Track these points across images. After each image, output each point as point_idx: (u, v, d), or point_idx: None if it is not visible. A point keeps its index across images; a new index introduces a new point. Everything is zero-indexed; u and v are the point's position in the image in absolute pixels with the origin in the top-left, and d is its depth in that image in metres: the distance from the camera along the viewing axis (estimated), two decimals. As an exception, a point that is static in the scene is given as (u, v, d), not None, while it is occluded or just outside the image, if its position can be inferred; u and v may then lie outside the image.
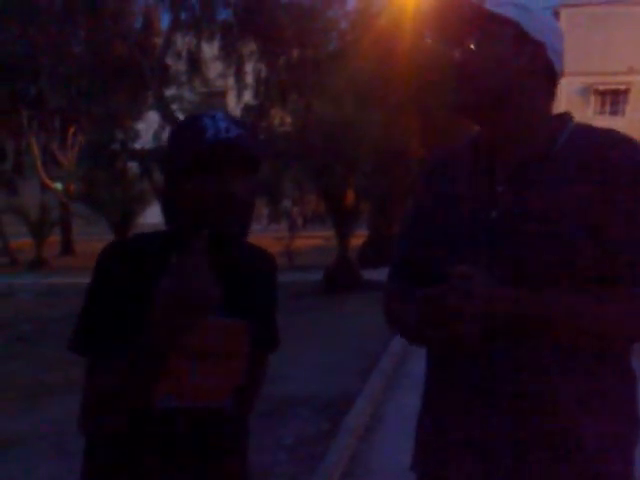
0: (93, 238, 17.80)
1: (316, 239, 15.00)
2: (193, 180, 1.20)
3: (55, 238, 17.81)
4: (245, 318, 1.29)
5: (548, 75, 1.27)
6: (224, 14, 12.03)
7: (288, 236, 12.68)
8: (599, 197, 1.17)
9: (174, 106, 11.36)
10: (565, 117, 1.29)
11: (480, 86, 1.25)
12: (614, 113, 30.83)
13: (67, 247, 18.68)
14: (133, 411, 1.18)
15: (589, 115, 28.69)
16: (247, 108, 11.28)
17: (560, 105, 1.33)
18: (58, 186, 17.33)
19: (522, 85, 1.25)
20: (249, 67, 11.82)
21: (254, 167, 1.26)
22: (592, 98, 30.87)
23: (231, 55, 11.48)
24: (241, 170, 1.22)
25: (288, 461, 3.68)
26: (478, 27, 1.26)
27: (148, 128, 11.88)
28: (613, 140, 1.23)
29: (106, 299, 1.20)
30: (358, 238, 12.95)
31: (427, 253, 1.34)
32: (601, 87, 30.64)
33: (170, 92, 11.89)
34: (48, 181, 16.92)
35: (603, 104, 31.31)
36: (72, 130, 16.51)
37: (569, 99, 27.65)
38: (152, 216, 14.22)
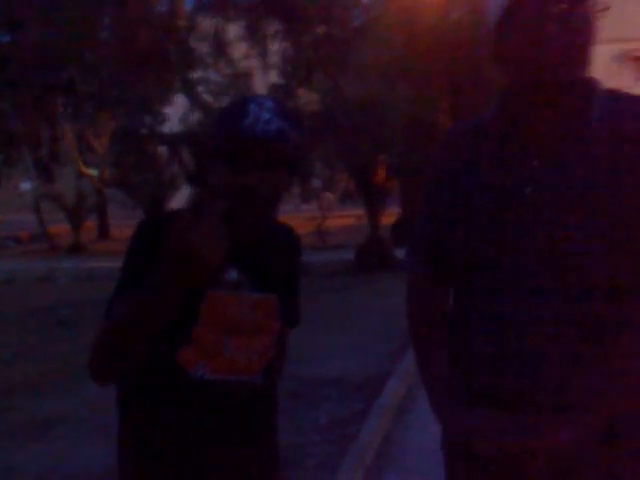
0: (128, 223, 18.08)
1: (348, 218, 14.98)
2: (219, 164, 1.19)
3: (91, 223, 18.17)
4: (274, 292, 1.29)
5: None
6: (247, -7, 11.91)
7: (319, 216, 12.67)
8: (635, 170, 1.13)
9: (200, 89, 11.37)
10: (592, 84, 1.22)
11: (580, 69, 1.17)
12: (653, 80, 29.89)
13: (103, 232, 19.04)
14: (164, 380, 1.20)
15: (625, 83, 27.82)
16: (273, 88, 11.24)
17: (597, 73, 1.26)
18: (93, 172, 17.60)
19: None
20: (274, 47, 11.75)
21: (289, 163, 1.22)
22: (628, 65, 29.89)
23: (256, 35, 11.41)
24: (272, 164, 1.19)
25: (322, 442, 3.72)
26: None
27: (176, 112, 11.94)
28: None
29: (139, 272, 1.19)
30: (390, 216, 12.88)
31: (451, 230, 1.29)
32: (637, 53, 29.64)
33: (196, 75, 11.88)
34: (83, 167, 17.19)
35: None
36: (104, 116, 16.71)
37: (605, 66, 26.82)
38: (184, 200, 14.36)
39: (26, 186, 21.34)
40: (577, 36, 1.13)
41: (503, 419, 1.17)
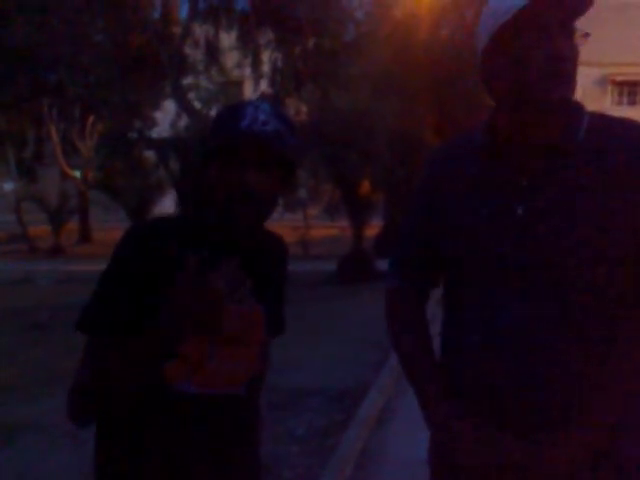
0: (111, 226, 17.98)
1: (332, 229, 15.01)
2: (217, 165, 1.20)
3: (73, 226, 17.99)
4: (260, 303, 1.29)
5: None
6: (241, 3, 12.05)
7: (304, 225, 12.68)
8: (627, 188, 1.15)
9: (191, 95, 11.39)
10: (578, 105, 1.24)
11: (574, 84, 1.19)
12: (632, 104, 30.36)
13: (85, 235, 18.86)
14: (150, 395, 1.19)
15: (606, 106, 28.21)
16: (263, 97, 11.30)
17: (577, 96, 1.29)
18: (77, 174, 17.48)
19: None
20: (265, 56, 11.82)
21: (285, 165, 1.23)
22: (609, 89, 30.37)
23: (248, 44, 11.48)
24: (268, 165, 1.20)
25: (300, 452, 3.69)
26: (570, 23, 1.18)
27: (165, 117, 11.94)
28: (632, 129, 1.21)
29: (120, 282, 1.19)
30: (374, 228, 12.93)
31: (442, 250, 1.29)
32: (619, 78, 30.11)
33: (187, 81, 11.91)
34: (67, 169, 17.06)
35: (620, 95, 30.80)
36: (91, 119, 16.63)
37: (586, 90, 27.23)
38: (169, 204, 14.33)
39: (8, 186, 21.13)
40: (565, 61, 1.15)
41: (505, 436, 1.15)
